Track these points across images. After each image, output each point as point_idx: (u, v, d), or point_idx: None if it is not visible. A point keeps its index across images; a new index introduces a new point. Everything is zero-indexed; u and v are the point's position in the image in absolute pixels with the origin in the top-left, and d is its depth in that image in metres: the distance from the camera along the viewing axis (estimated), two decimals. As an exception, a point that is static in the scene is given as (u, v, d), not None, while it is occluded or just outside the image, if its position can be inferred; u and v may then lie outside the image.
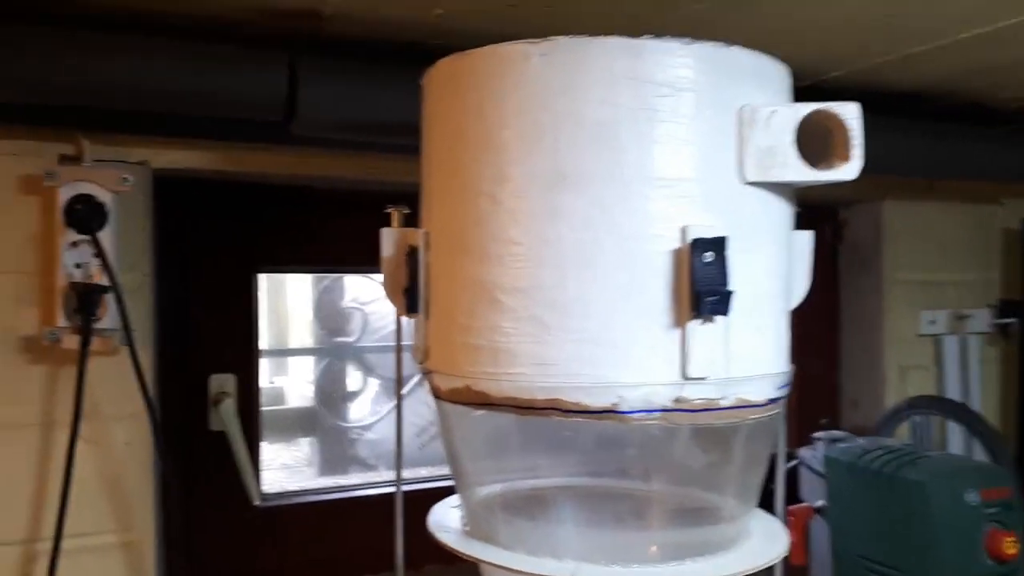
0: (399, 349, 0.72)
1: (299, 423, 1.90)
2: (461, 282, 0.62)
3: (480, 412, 0.61)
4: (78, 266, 0.94)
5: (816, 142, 0.61)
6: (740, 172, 0.59)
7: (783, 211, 0.63)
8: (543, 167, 0.58)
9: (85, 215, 0.93)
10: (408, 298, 0.67)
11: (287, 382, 2.15)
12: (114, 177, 0.95)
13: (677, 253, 0.57)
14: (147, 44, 0.84)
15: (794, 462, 1.27)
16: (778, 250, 0.63)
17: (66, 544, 0.92)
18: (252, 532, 1.17)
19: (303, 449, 1.88)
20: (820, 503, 1.17)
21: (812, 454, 1.23)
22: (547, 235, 0.58)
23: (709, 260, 0.56)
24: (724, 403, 0.59)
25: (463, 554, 0.64)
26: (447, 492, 0.73)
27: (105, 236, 0.94)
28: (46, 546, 0.92)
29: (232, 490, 1.11)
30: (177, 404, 1.13)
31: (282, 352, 2.15)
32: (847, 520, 1.12)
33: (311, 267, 1.25)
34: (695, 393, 0.58)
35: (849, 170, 0.60)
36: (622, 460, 0.74)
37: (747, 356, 0.60)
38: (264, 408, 2.12)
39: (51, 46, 0.82)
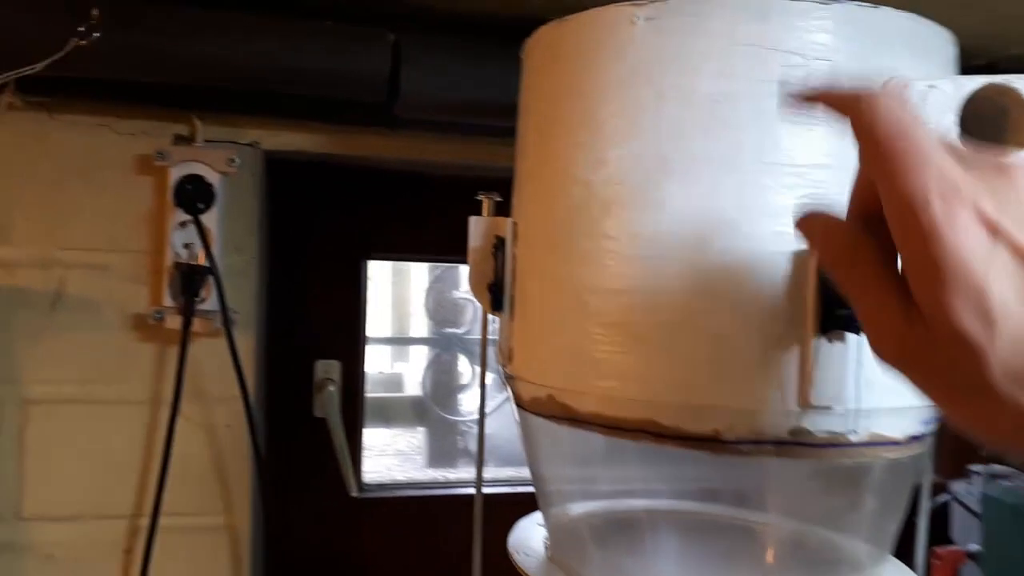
0: (484, 347, 0.66)
1: (415, 411, 1.89)
2: (547, 280, 0.55)
3: (564, 427, 0.54)
4: (186, 246, 0.94)
5: (986, 125, 0.50)
6: (887, 160, 0.48)
7: (941, 209, 0.52)
8: (644, 151, 0.50)
9: (193, 195, 0.93)
10: (493, 294, 0.60)
11: (407, 369, 2.15)
12: (222, 158, 0.94)
13: (802, 256, 0.47)
14: (248, 21, 0.82)
15: (945, 497, 1.12)
16: (933, 256, 0.52)
17: (164, 522, 0.93)
18: (350, 522, 1.15)
19: (418, 437, 1.87)
20: (974, 547, 1.02)
21: (967, 489, 1.08)
22: (645, 230, 0.50)
23: (842, 266, 0.46)
24: (854, 439, 0.49)
25: (540, 584, 0.57)
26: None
27: (211, 217, 0.93)
28: (148, 522, 0.93)
29: (333, 478, 1.10)
30: (283, 388, 1.12)
31: (392, 340, 2.15)
32: (1006, 570, 0.96)
33: (423, 255, 1.21)
34: (817, 425, 0.48)
35: (1031, 159, 0.48)
36: (733, 484, 0.65)
37: (885, 383, 0.49)
38: (382, 395, 2.14)
39: (163, 23, 0.81)
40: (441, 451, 1.74)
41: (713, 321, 0.48)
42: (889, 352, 0.34)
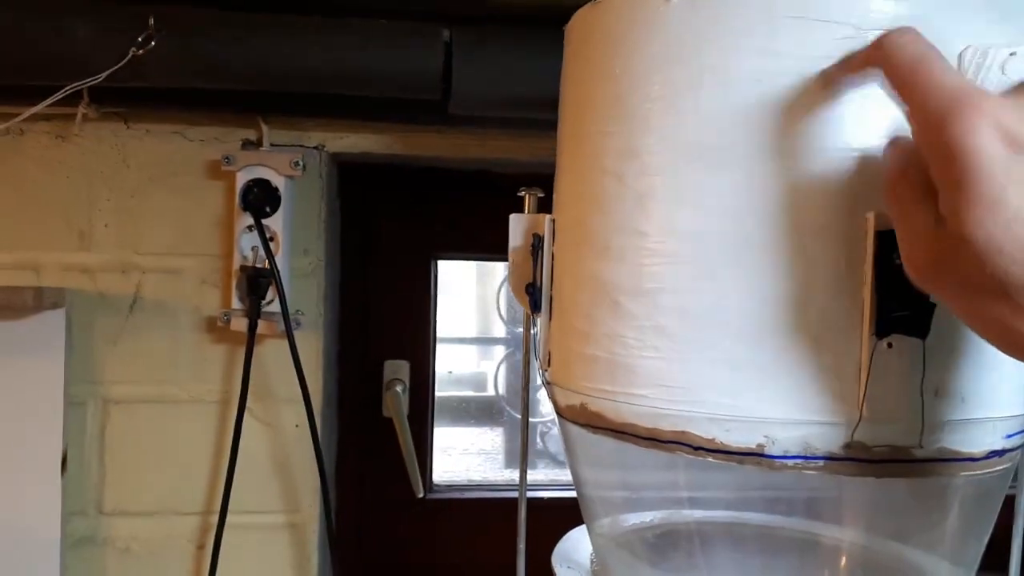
0: (527, 351, 0.63)
1: (496, 411, 1.88)
2: (580, 279, 0.52)
3: (597, 436, 0.50)
4: (254, 249, 0.95)
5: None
6: (958, 140, 0.43)
7: (1028, 194, 0.46)
8: (681, 138, 0.46)
9: (259, 199, 0.94)
10: (531, 295, 0.58)
11: (492, 368, 2.14)
12: (286, 161, 0.95)
13: (857, 251, 0.42)
14: (298, 23, 0.82)
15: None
16: (1018, 247, 0.46)
17: (234, 519, 0.95)
18: (418, 523, 1.15)
19: (501, 437, 1.86)
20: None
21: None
22: (681, 225, 0.46)
23: (899, 261, 0.41)
24: (919, 454, 0.43)
25: (579, 602, 0.54)
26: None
27: (277, 220, 0.94)
28: (217, 519, 0.95)
29: (403, 478, 1.09)
30: (353, 389, 1.13)
31: (465, 340, 2.13)
32: None
33: (491, 255, 1.19)
34: (876, 438, 0.43)
35: None
36: (797, 494, 0.59)
37: (956, 392, 0.43)
38: (466, 394, 2.14)
39: (216, 29, 0.82)
40: (518, 451, 1.71)
41: (756, 324, 0.44)
42: (918, 263, 0.36)
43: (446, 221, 1.14)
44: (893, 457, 0.43)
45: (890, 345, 0.42)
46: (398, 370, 1.12)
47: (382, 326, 1.13)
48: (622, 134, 0.48)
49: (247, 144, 0.98)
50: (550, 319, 0.56)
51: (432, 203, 1.13)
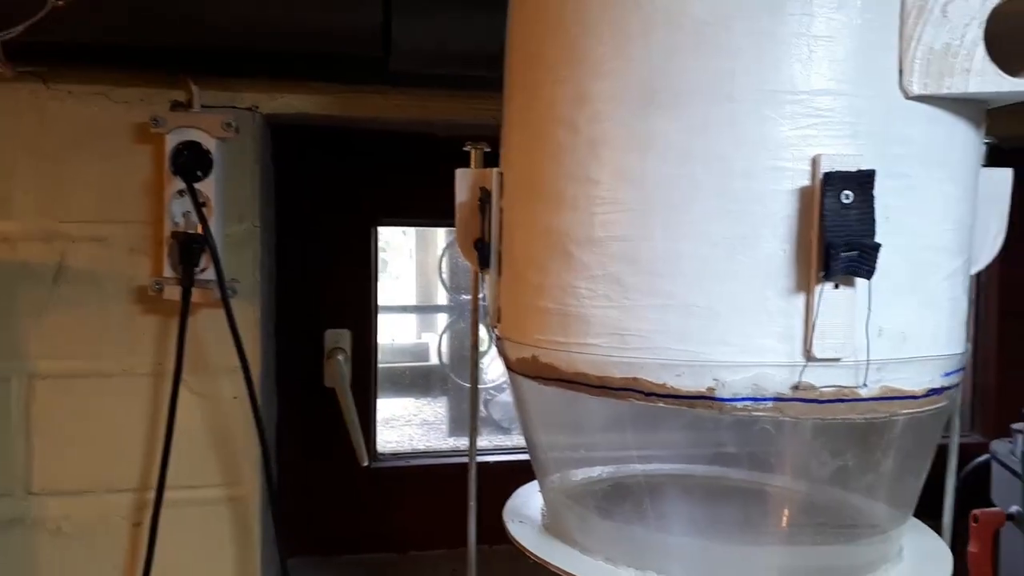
0: (475, 310, 0.62)
1: (441, 380, 1.88)
2: (533, 232, 0.51)
3: (553, 388, 0.50)
4: (186, 215, 0.91)
5: (1018, 40, 0.44)
6: (902, 82, 0.43)
7: (966, 138, 0.47)
8: (630, 83, 0.45)
9: (189, 162, 0.90)
10: (479, 251, 0.57)
11: (433, 339, 2.14)
12: (218, 123, 0.91)
13: (804, 193, 0.43)
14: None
15: (984, 457, 1.06)
16: (957, 191, 0.47)
17: (172, 495, 0.92)
18: (362, 493, 1.14)
19: (444, 406, 1.86)
20: (1015, 509, 0.97)
21: (1009, 449, 1.02)
22: (631, 171, 0.45)
23: (848, 202, 0.41)
24: (864, 393, 0.44)
25: (533, 555, 0.54)
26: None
27: (209, 184, 0.91)
28: (154, 495, 0.92)
29: (347, 448, 1.08)
30: (293, 359, 1.10)
31: (408, 309, 2.13)
32: (1052, 535, 0.91)
33: (435, 220, 1.18)
34: (822, 379, 0.44)
35: (1066, 78, 0.42)
36: (742, 445, 0.60)
37: (899, 332, 0.44)
38: (408, 364, 2.13)
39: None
40: (462, 420, 1.72)
41: (706, 268, 0.44)
42: None
43: (387, 185, 1.11)
44: (839, 397, 0.44)
45: (837, 286, 0.42)
46: (339, 339, 1.09)
47: (322, 294, 1.10)
48: (574, 80, 0.48)
49: (176, 105, 0.94)
50: (499, 275, 0.56)
51: (373, 167, 1.11)
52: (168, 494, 0.91)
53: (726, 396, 0.44)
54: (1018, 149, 1.34)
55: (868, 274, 0.41)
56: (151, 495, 0.92)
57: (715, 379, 0.44)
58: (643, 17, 0.45)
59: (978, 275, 1.41)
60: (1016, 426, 1.02)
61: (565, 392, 0.50)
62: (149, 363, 0.95)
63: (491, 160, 0.61)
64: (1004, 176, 0.55)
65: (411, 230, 2.05)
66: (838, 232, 0.41)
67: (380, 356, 1.19)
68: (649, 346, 0.45)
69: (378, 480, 1.14)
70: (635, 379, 0.46)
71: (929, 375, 0.46)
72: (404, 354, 2.05)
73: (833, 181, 0.41)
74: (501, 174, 0.55)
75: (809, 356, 0.43)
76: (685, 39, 0.44)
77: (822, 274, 0.42)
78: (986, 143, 0.55)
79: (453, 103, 1.00)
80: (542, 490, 0.60)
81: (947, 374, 0.47)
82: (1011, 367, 1.33)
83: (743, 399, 0.44)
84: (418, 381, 1.92)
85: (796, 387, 0.43)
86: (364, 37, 0.80)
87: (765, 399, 0.44)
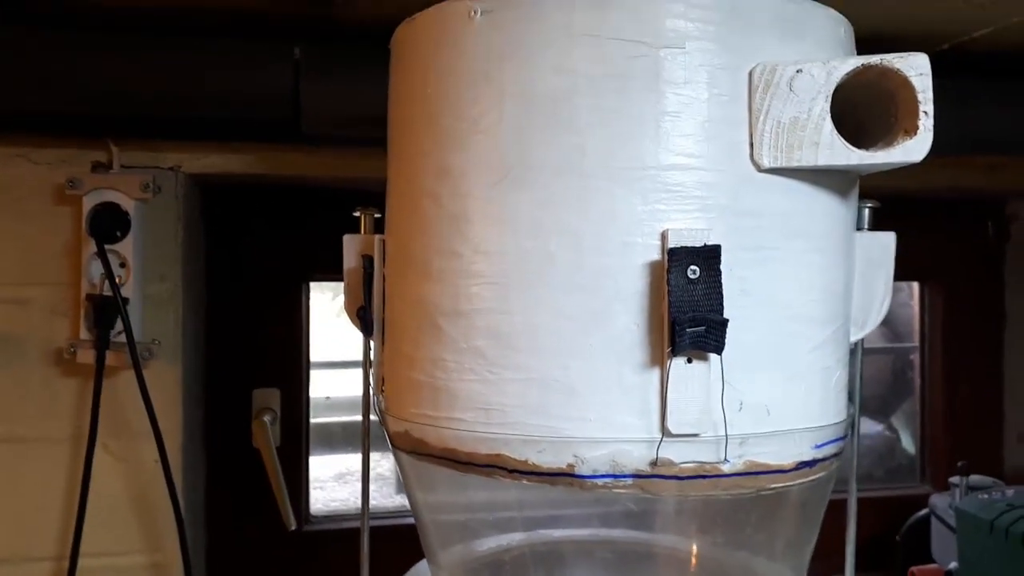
0: (366, 379, 0.61)
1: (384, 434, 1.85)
2: (407, 302, 0.50)
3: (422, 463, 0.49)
4: (103, 276, 0.90)
5: (870, 111, 0.45)
6: (752, 156, 0.43)
7: (828, 207, 0.47)
8: (487, 158, 0.45)
9: (106, 223, 0.89)
10: (362, 319, 0.56)
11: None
12: (136, 183, 0.91)
13: (654, 267, 0.42)
14: (144, 43, 0.79)
15: (924, 511, 1.05)
16: (823, 260, 0.47)
17: (91, 563, 0.89)
18: (292, 558, 1.11)
19: (390, 460, 1.83)
20: (954, 566, 0.95)
21: (948, 503, 1.01)
22: (491, 245, 0.45)
23: (694, 277, 0.41)
24: (727, 468, 0.43)
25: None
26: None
27: (126, 245, 0.90)
28: (68, 564, 0.89)
29: (276, 512, 1.05)
30: (222, 420, 1.08)
31: (339, 365, 2.10)
32: (986, 591, 0.89)
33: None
34: (682, 455, 0.43)
35: (915, 147, 0.43)
36: (627, 509, 0.59)
37: (762, 405, 0.44)
38: (348, 419, 2.09)
39: (49, 48, 0.79)
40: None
41: (562, 343, 0.43)
42: None
43: (316, 241, 1.11)
44: (700, 473, 0.43)
45: (690, 360, 0.42)
46: (268, 398, 1.08)
47: (252, 353, 1.09)
48: (436, 154, 0.47)
49: (97, 167, 0.93)
50: (383, 344, 0.55)
51: (301, 223, 1.10)
52: (86, 561, 0.88)
53: (586, 473, 0.43)
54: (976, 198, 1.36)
55: (717, 349, 0.41)
56: (67, 564, 0.90)
57: (575, 455, 0.43)
58: (497, 93, 0.45)
59: (922, 329, 1.42)
60: (953, 479, 1.01)
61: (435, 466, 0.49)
62: (68, 427, 0.93)
63: (381, 225, 0.60)
64: (887, 240, 0.55)
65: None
66: (683, 308, 0.40)
67: (318, 411, 1.18)
68: (512, 421, 0.44)
69: (310, 543, 1.12)
70: (499, 455, 0.45)
71: (797, 448, 0.45)
72: (343, 408, 2.01)
73: (678, 256, 0.41)
74: (383, 241, 0.55)
75: (665, 432, 0.42)
76: (536, 116, 0.44)
77: (673, 349, 0.41)
78: (868, 207, 0.55)
79: (373, 161, 0.99)
80: (431, 567, 0.58)
81: (819, 446, 0.47)
82: (958, 419, 1.33)
83: (603, 476, 0.43)
84: (373, 435, 1.89)
85: (654, 463, 0.43)
86: (274, 102, 0.80)
87: (624, 476, 0.43)
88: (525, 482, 0.44)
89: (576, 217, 0.43)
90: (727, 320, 0.41)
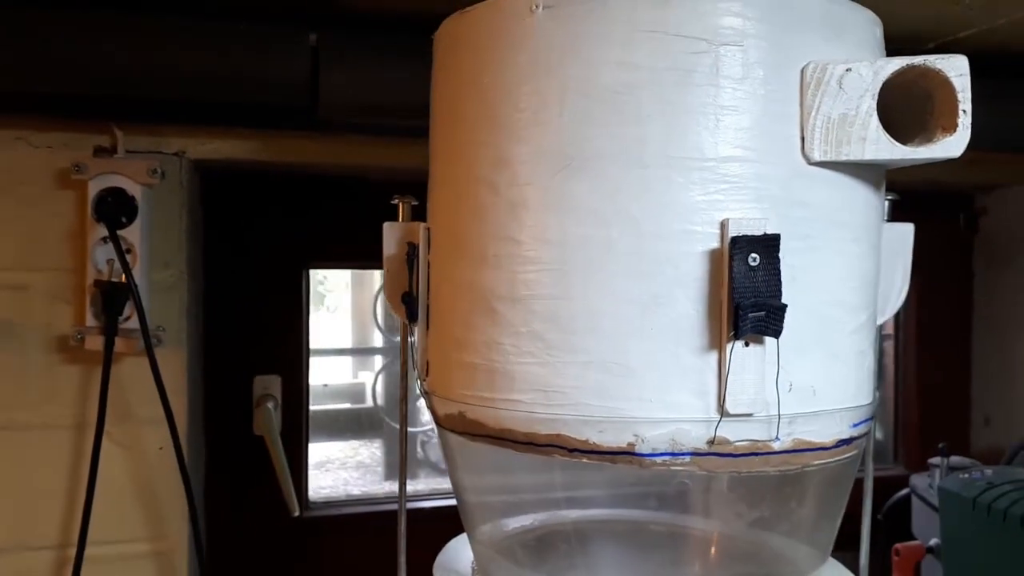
0: (404, 361, 0.62)
1: (377, 421, 1.85)
2: (458, 288, 0.52)
3: (477, 443, 0.51)
4: (109, 262, 0.89)
5: (909, 109, 0.47)
6: (803, 149, 0.46)
7: (865, 199, 0.50)
8: (547, 147, 0.47)
9: (114, 209, 0.88)
10: (407, 305, 0.57)
11: (370, 379, 2.11)
12: (143, 168, 0.90)
13: (714, 255, 0.44)
14: (159, 24, 0.78)
15: (905, 491, 1.10)
16: (860, 249, 0.50)
17: (95, 551, 0.89)
18: (294, 544, 1.11)
19: (380, 449, 1.84)
20: (935, 542, 1.00)
21: (928, 483, 1.06)
22: (550, 232, 0.47)
23: (755, 264, 0.43)
24: (777, 446, 0.46)
25: (460, 611, 0.54)
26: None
27: (134, 231, 0.89)
28: (75, 552, 0.88)
29: (276, 499, 1.06)
30: (223, 407, 1.08)
31: (342, 351, 2.11)
32: (965, 566, 0.94)
33: (366, 262, 1.17)
34: (737, 433, 0.45)
35: (955, 143, 0.45)
36: (667, 490, 0.62)
37: (808, 386, 0.46)
38: (344, 406, 2.10)
39: (64, 29, 0.78)
40: (398, 463, 1.70)
41: (622, 326, 0.45)
42: None
43: (318, 229, 1.11)
44: (753, 451, 0.45)
45: (747, 344, 0.44)
46: (269, 385, 1.08)
47: (252, 340, 1.09)
48: (493, 144, 0.49)
49: (100, 151, 0.92)
50: (428, 328, 0.56)
51: (304, 210, 1.10)
52: (90, 550, 0.88)
53: (646, 451, 0.45)
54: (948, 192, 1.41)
55: (776, 333, 0.43)
56: (72, 552, 0.89)
57: (635, 435, 0.45)
58: (558, 86, 0.46)
59: (897, 318, 1.48)
60: (932, 460, 1.06)
61: (493, 447, 0.50)
62: (70, 415, 0.92)
63: (419, 212, 0.62)
64: (906, 231, 0.58)
65: (347, 273, 2.04)
66: (746, 293, 0.43)
67: (314, 399, 1.18)
68: (572, 402, 0.46)
69: (310, 530, 1.12)
70: (559, 435, 0.46)
71: (838, 427, 0.48)
72: (340, 395, 2.02)
73: (740, 245, 0.43)
74: (428, 229, 0.56)
75: (723, 412, 0.44)
76: (598, 107, 0.45)
77: (732, 333, 0.43)
78: (888, 199, 0.58)
79: (383, 149, 1.00)
80: (471, 543, 0.60)
81: (855, 425, 0.49)
82: (931, 402, 1.39)
83: (662, 454, 0.45)
84: (354, 423, 1.90)
85: (711, 442, 0.45)
86: (291, 88, 0.80)
87: (683, 454, 0.45)
88: (584, 461, 0.46)
89: (637, 205, 0.45)
90: (786, 305, 0.43)
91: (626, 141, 0.45)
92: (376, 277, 2.10)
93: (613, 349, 0.45)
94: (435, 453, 1.58)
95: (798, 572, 0.57)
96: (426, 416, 1.64)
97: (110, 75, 0.82)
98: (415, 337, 0.59)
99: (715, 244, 0.44)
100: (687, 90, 0.44)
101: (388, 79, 0.80)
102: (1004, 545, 0.87)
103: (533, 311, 0.47)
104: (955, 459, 1.04)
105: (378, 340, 2.08)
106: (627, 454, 0.45)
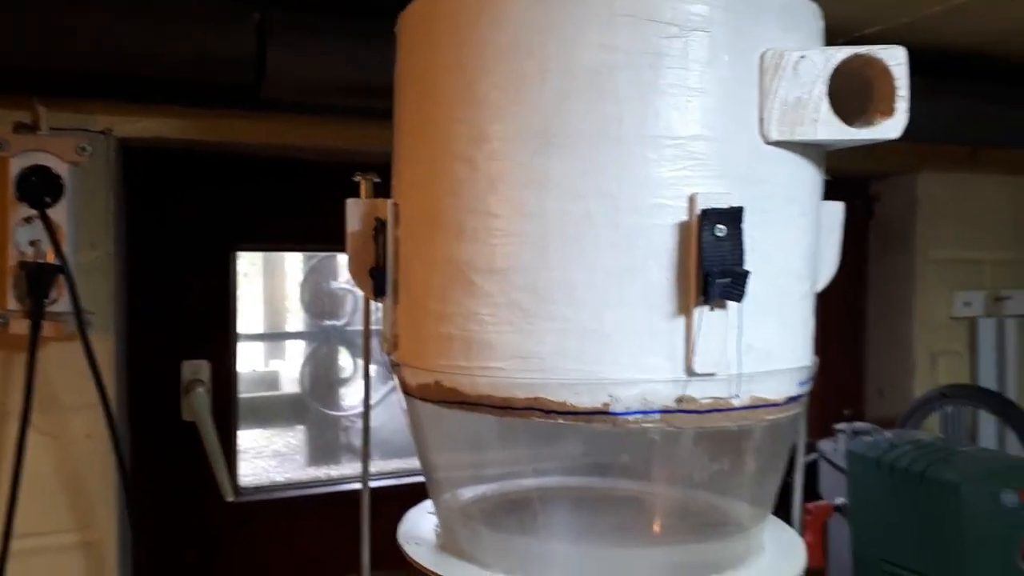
0: (367, 336, 0.63)
1: (294, 409, 1.83)
2: (433, 262, 0.53)
3: (453, 411, 0.52)
4: (33, 244, 0.86)
5: (850, 95, 0.52)
6: (762, 130, 0.50)
7: (812, 177, 0.54)
8: (527, 125, 0.49)
9: (37, 188, 0.85)
10: (375, 279, 0.58)
11: (284, 366, 2.08)
12: (70, 146, 0.86)
13: (683, 227, 0.48)
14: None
15: (813, 455, 1.18)
16: (806, 223, 0.54)
17: (21, 544, 0.85)
18: (227, 529, 1.10)
19: (298, 436, 1.81)
20: (840, 501, 1.09)
21: (833, 447, 1.14)
22: (529, 206, 0.49)
23: (722, 235, 0.47)
24: (736, 403, 0.50)
25: (432, 572, 0.56)
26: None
27: (60, 211, 0.86)
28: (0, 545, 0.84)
29: (208, 484, 1.04)
30: (149, 392, 1.05)
31: (266, 336, 2.07)
32: (870, 521, 1.03)
33: (296, 245, 1.16)
34: (702, 392, 0.49)
35: (893, 126, 0.50)
36: (620, 457, 0.65)
37: (764, 348, 0.51)
38: (257, 394, 2.06)
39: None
40: (322, 449, 1.69)
41: (599, 295, 0.48)
42: None
43: (245, 211, 1.09)
44: (716, 407, 0.49)
45: (712, 309, 0.48)
46: (198, 370, 1.05)
47: (179, 324, 1.06)
48: (472, 121, 0.50)
49: (20, 127, 0.88)
50: (396, 302, 0.57)
51: (231, 192, 1.08)
52: (16, 543, 0.84)
53: (620, 411, 0.48)
54: (847, 179, 1.51)
55: (739, 297, 0.47)
56: (-5, 546, 0.85)
57: (610, 395, 0.48)
58: (538, 65, 0.48)
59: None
60: (838, 426, 1.14)
61: (464, 414, 0.52)
62: (-10, 403, 0.88)
63: (380, 190, 0.62)
64: (837, 208, 0.63)
65: (259, 257, 1.99)
66: (714, 261, 0.46)
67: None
68: (550, 367, 0.49)
69: (242, 515, 1.11)
70: (537, 398, 0.49)
71: (788, 385, 0.52)
72: (253, 384, 1.98)
73: (709, 216, 0.46)
74: (396, 205, 0.57)
75: (690, 372, 0.48)
76: (576, 86, 0.48)
77: (701, 299, 0.47)
78: (826, 180, 0.63)
79: (321, 129, 1.00)
80: (437, 510, 0.62)
81: (801, 383, 0.54)
82: (830, 376, 1.49)
83: (634, 412, 0.48)
84: (270, 411, 1.86)
85: (679, 400, 0.48)
86: (236, 65, 0.79)
87: (653, 412, 0.48)
88: (561, 421, 0.49)
89: (614, 181, 0.48)
90: (749, 272, 0.47)
91: (604, 120, 0.47)
92: (288, 262, 2.06)
93: (590, 317, 0.48)
94: (358, 438, 1.57)
95: (743, 527, 0.61)
96: (349, 402, 1.63)
97: (30, 46, 0.78)
98: (380, 311, 0.60)
99: (684, 217, 0.47)
100: (660, 72, 0.47)
101: (335, 59, 0.80)
102: (904, 499, 0.96)
103: (511, 282, 0.49)
104: (858, 424, 1.13)
105: (291, 326, 2.04)
106: (602, 413, 0.48)
